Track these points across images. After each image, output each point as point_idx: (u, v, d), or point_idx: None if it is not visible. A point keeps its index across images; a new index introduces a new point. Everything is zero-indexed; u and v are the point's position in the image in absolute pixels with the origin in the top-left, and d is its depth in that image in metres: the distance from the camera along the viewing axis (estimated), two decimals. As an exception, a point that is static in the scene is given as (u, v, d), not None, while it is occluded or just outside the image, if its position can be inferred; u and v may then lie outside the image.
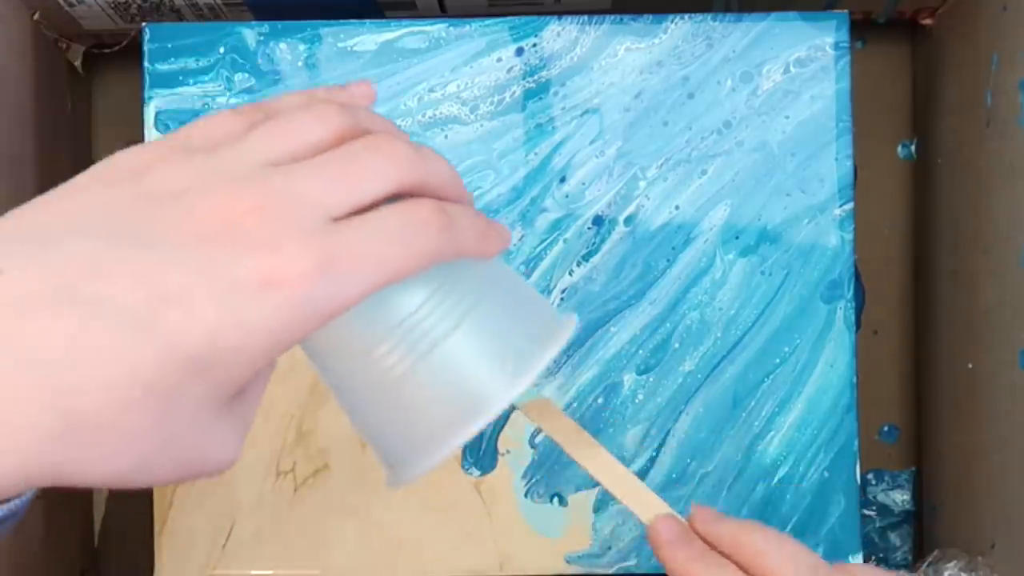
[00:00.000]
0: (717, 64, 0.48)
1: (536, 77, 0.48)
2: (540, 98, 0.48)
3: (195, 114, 0.48)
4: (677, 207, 0.48)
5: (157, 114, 0.48)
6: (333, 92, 0.29)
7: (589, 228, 0.48)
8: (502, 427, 0.48)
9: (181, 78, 0.49)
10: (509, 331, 0.28)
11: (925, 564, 0.47)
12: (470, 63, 0.49)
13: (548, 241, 0.48)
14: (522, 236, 0.48)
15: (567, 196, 0.48)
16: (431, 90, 0.49)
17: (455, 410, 0.27)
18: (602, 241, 0.48)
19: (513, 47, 0.49)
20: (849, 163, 0.48)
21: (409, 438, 0.28)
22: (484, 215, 0.28)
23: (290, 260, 0.23)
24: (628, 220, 0.48)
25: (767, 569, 0.32)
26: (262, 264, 0.23)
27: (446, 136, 0.48)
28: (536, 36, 0.48)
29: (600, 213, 0.48)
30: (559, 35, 0.49)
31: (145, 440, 0.23)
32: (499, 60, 0.48)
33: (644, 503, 0.34)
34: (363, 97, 0.30)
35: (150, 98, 0.48)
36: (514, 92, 0.48)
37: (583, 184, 0.48)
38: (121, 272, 0.22)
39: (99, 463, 0.22)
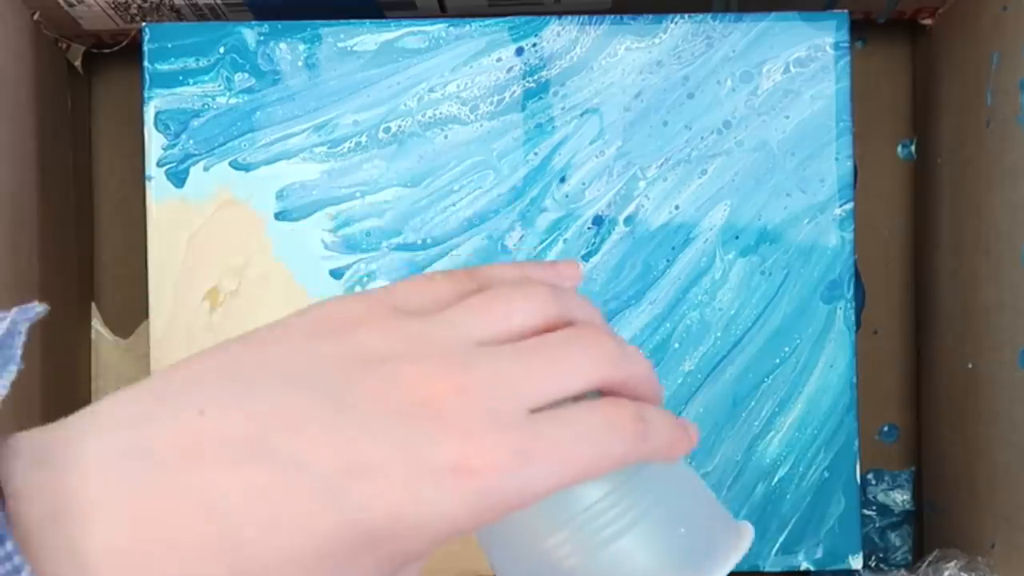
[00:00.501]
0: (717, 64, 0.48)
1: (536, 77, 0.48)
2: (540, 98, 0.48)
3: (195, 114, 0.48)
4: (677, 207, 0.48)
5: (157, 114, 0.48)
6: (544, 270, 0.29)
7: (589, 228, 0.48)
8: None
9: (181, 78, 0.49)
10: (687, 535, 0.27)
11: (925, 564, 0.47)
12: (470, 63, 0.49)
13: (548, 241, 0.48)
14: (522, 236, 0.48)
15: (567, 196, 0.48)
16: (431, 90, 0.48)
17: None
18: (602, 241, 0.48)
19: (513, 47, 0.48)
20: (849, 163, 0.48)
21: None
22: (673, 416, 0.28)
23: (487, 450, 0.23)
24: (628, 220, 0.48)
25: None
26: (459, 450, 0.23)
27: (446, 136, 0.48)
28: (536, 36, 0.48)
29: (600, 213, 0.48)
30: (559, 35, 0.48)
31: None
32: (499, 60, 0.48)
33: None
34: (572, 279, 0.29)
35: (150, 98, 0.48)
36: (514, 92, 0.48)
37: (583, 184, 0.48)
38: (320, 435, 0.22)
39: None
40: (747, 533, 0.29)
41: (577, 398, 0.26)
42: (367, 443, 0.22)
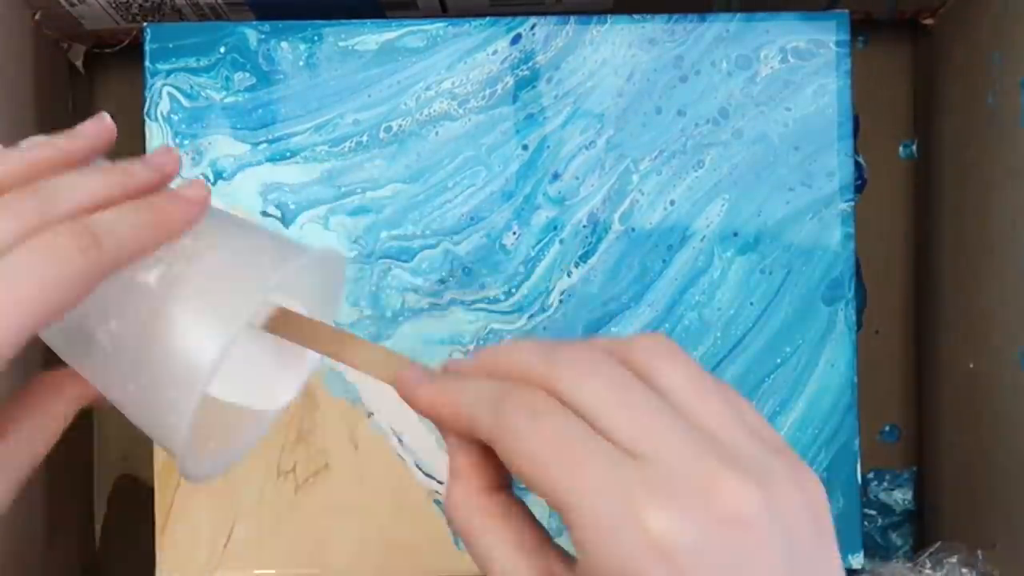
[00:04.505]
0: (711, 43, 0.48)
1: (530, 64, 0.48)
2: (532, 86, 0.48)
3: (196, 113, 0.48)
4: (672, 202, 0.48)
5: (158, 113, 0.48)
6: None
7: (584, 227, 0.48)
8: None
9: (182, 77, 0.49)
10: (228, 276, 0.28)
11: (927, 554, 0.47)
12: (465, 59, 0.49)
13: (545, 241, 0.48)
14: (518, 235, 0.48)
15: (560, 193, 0.48)
16: (427, 88, 0.49)
17: (181, 369, 0.27)
18: (598, 240, 0.48)
19: (509, 36, 0.49)
20: (850, 162, 0.48)
21: (160, 415, 0.28)
22: (159, 195, 0.28)
23: None
24: (623, 218, 0.48)
25: (511, 365, 0.27)
26: None
27: (436, 133, 0.48)
28: (533, 32, 0.48)
29: (595, 210, 0.48)
30: (558, 34, 0.48)
31: None
32: (494, 52, 0.48)
33: (388, 364, 0.30)
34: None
35: (151, 97, 0.49)
36: (506, 83, 0.48)
37: (576, 179, 0.48)
38: None
39: None
40: (301, 252, 0.29)
41: None
42: None
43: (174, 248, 0.28)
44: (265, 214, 0.48)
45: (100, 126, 0.30)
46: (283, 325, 0.31)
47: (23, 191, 0.27)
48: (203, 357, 0.27)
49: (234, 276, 0.28)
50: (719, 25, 0.48)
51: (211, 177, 0.48)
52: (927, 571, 0.46)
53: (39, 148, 0.28)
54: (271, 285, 0.28)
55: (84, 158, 0.29)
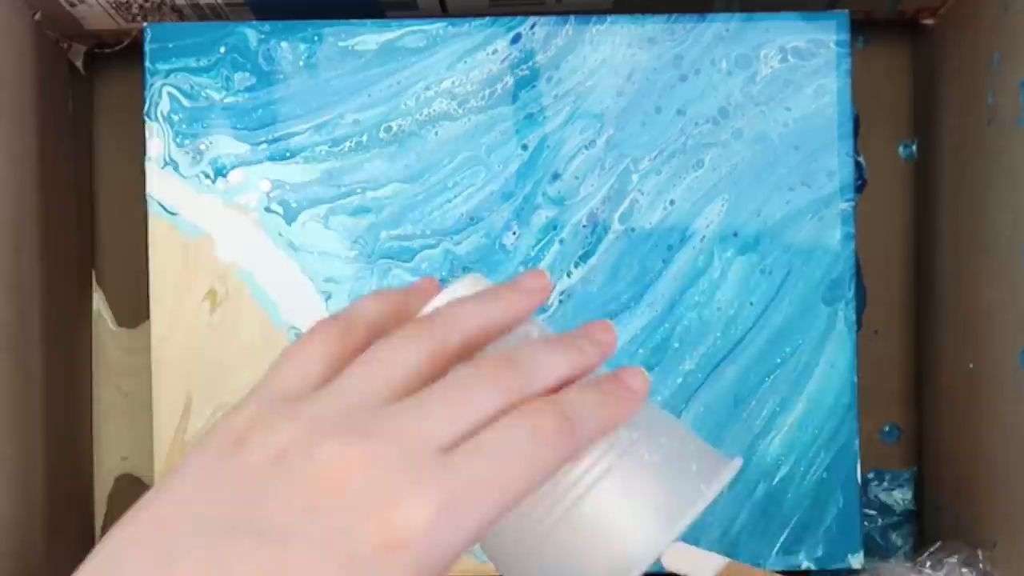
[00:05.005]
0: (711, 42, 0.48)
1: (530, 63, 0.48)
2: (532, 86, 0.48)
3: (197, 114, 0.48)
4: (672, 201, 0.48)
5: (158, 114, 0.48)
6: (406, 293, 0.29)
7: (584, 227, 0.48)
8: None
9: (182, 78, 0.49)
10: (660, 478, 0.27)
11: (927, 554, 0.47)
12: (464, 58, 0.49)
13: (544, 241, 0.48)
14: (518, 235, 0.48)
15: (560, 193, 0.48)
16: (427, 88, 0.49)
17: (601, 569, 0.26)
18: (598, 240, 0.48)
19: (509, 35, 0.49)
20: (850, 162, 0.48)
21: None
22: (604, 384, 0.27)
23: (409, 516, 0.22)
24: (623, 218, 0.48)
25: None
26: (382, 527, 0.22)
27: (436, 133, 0.48)
28: (533, 31, 0.48)
29: (594, 210, 0.48)
30: (558, 33, 0.48)
31: None
32: (494, 52, 0.48)
33: None
34: (426, 292, 0.29)
35: (151, 98, 0.49)
36: (506, 83, 0.48)
37: (576, 179, 0.48)
38: (245, 574, 0.22)
39: None
40: (732, 465, 0.28)
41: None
42: (293, 559, 0.22)
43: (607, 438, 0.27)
44: (268, 210, 0.48)
45: (542, 283, 0.30)
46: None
47: (502, 363, 0.26)
48: (627, 560, 0.26)
49: (666, 480, 0.27)
50: (719, 24, 0.48)
51: (211, 176, 0.48)
52: (927, 571, 0.46)
53: (497, 300, 0.28)
54: (706, 499, 0.27)
55: (526, 315, 0.29)
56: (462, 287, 0.30)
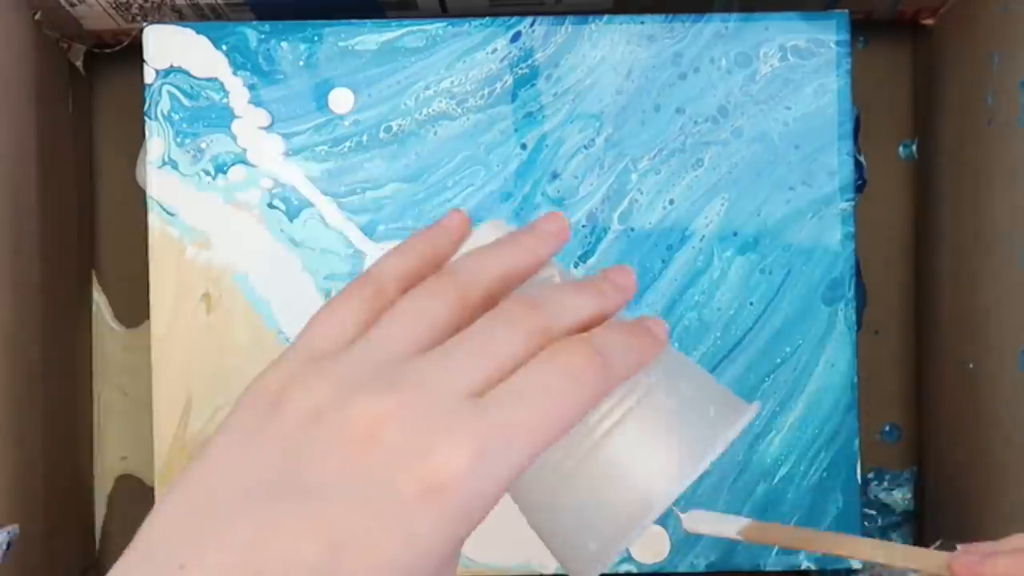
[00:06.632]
0: (710, 39, 0.48)
1: (530, 62, 0.48)
2: (532, 84, 0.48)
3: (197, 113, 0.49)
4: (672, 201, 0.48)
5: (158, 114, 0.48)
6: (433, 237, 0.29)
7: (583, 226, 0.48)
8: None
9: (182, 77, 0.49)
10: (680, 422, 0.27)
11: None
12: (464, 58, 0.49)
13: (548, 240, 0.48)
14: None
15: (559, 192, 0.48)
16: (427, 88, 0.49)
17: (621, 508, 0.27)
18: (598, 240, 0.48)
19: (509, 34, 0.49)
20: (850, 162, 0.48)
21: (578, 541, 0.27)
22: (631, 325, 0.27)
23: (445, 462, 0.23)
24: (622, 218, 0.48)
25: None
26: (419, 474, 0.23)
27: (435, 133, 0.49)
28: (532, 29, 0.48)
29: (594, 210, 0.48)
30: (557, 31, 0.49)
31: None
32: (494, 51, 0.49)
33: (922, 558, 0.34)
34: (454, 229, 0.30)
35: (151, 97, 0.49)
36: (505, 82, 0.49)
37: (575, 178, 0.48)
38: (293, 533, 0.22)
39: None
40: (744, 409, 0.29)
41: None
42: (338, 514, 0.23)
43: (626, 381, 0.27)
44: (271, 206, 0.48)
45: (560, 225, 0.29)
46: (760, 535, 0.32)
47: (526, 306, 0.26)
48: (648, 500, 0.26)
49: (686, 423, 0.27)
50: (718, 22, 0.48)
51: (212, 173, 0.48)
52: (927, 571, 0.46)
53: (511, 246, 0.28)
54: (725, 441, 0.27)
55: (547, 259, 0.29)
56: (483, 235, 0.30)
